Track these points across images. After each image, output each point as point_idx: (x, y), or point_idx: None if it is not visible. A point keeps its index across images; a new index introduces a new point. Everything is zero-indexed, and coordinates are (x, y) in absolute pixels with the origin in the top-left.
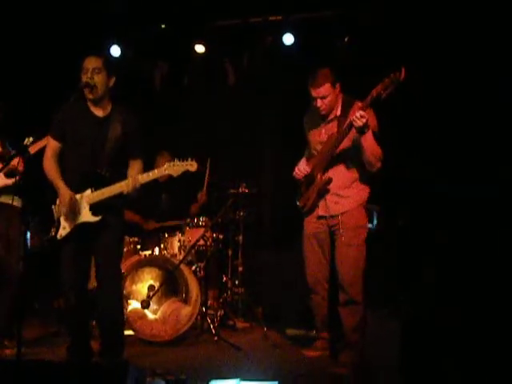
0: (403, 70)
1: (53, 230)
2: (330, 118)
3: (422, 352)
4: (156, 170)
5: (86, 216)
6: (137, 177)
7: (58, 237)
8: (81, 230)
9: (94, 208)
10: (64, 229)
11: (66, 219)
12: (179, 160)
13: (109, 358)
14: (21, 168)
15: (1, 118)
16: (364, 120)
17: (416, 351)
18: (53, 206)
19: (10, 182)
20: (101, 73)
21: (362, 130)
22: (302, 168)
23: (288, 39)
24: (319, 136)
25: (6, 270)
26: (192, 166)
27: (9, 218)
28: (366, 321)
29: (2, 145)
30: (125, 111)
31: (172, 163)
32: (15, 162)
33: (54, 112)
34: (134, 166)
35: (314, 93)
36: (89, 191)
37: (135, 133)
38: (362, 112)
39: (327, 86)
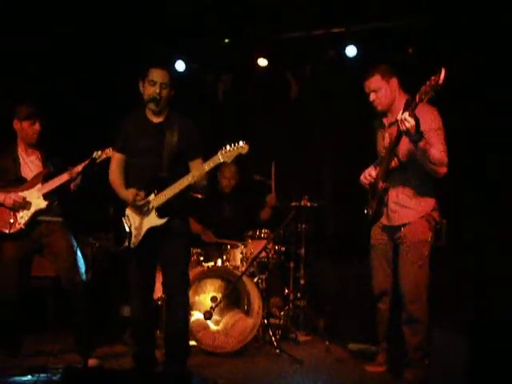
0: (443, 71)
1: (126, 240)
2: (392, 120)
3: (491, 372)
4: (211, 161)
5: (153, 220)
6: (203, 165)
7: (132, 245)
8: (149, 238)
9: (160, 211)
10: (135, 237)
11: (136, 227)
12: (230, 145)
13: (173, 367)
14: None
15: (41, 132)
16: (407, 124)
17: (485, 371)
18: (123, 218)
19: (48, 204)
20: (167, 87)
21: (408, 134)
22: (367, 174)
23: (351, 51)
24: (383, 140)
25: (64, 283)
26: (243, 148)
27: (51, 231)
28: (430, 340)
29: (43, 162)
30: (181, 116)
31: (223, 150)
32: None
33: (116, 125)
34: (195, 167)
35: (365, 87)
36: (152, 195)
37: (192, 136)
38: (405, 114)
39: (377, 77)
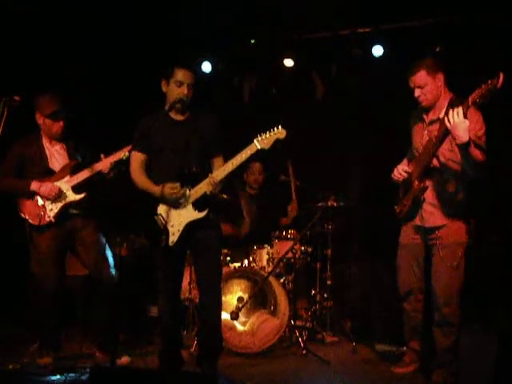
0: (501, 75)
1: (163, 238)
2: (433, 118)
3: None
4: (248, 149)
5: (192, 214)
6: (240, 154)
7: (171, 243)
8: (187, 233)
9: (198, 204)
10: (173, 234)
11: (174, 224)
12: (266, 132)
13: (206, 366)
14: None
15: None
16: (463, 125)
17: None
18: (155, 217)
19: (78, 197)
20: (193, 88)
21: (456, 136)
22: (401, 170)
23: (377, 51)
24: (421, 137)
25: (94, 275)
26: (281, 133)
27: (86, 225)
28: (458, 342)
29: (68, 152)
30: (202, 113)
31: (260, 138)
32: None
33: (136, 125)
34: (217, 164)
35: (410, 82)
36: (187, 191)
37: (214, 132)
38: (460, 113)
39: (422, 73)
